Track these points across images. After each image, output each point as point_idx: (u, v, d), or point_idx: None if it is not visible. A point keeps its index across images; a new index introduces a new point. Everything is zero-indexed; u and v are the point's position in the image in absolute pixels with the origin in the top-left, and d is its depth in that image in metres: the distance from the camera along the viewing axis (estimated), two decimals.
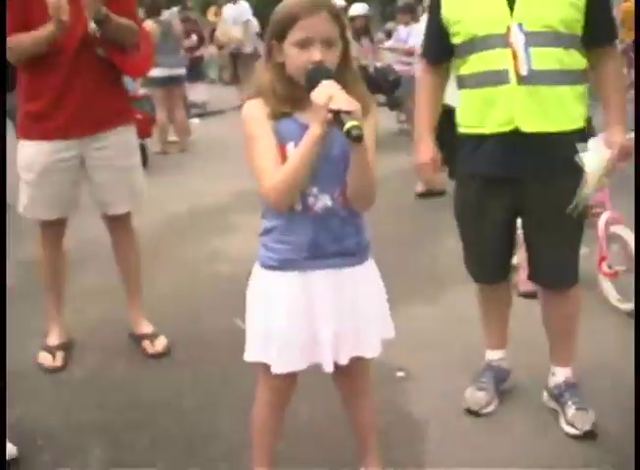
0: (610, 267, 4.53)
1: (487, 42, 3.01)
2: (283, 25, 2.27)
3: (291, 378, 2.51)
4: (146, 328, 4.16)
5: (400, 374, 3.77)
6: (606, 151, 3.00)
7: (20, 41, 3.61)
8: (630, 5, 8.67)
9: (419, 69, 3.49)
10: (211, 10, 16.61)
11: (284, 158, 2.27)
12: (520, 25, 2.96)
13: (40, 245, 4.03)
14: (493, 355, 3.56)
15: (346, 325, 2.42)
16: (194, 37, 14.27)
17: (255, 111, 2.31)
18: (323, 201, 2.33)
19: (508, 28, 2.97)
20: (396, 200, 7.16)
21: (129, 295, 4.22)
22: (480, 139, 3.12)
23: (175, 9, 11.68)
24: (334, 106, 2.07)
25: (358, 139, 2.05)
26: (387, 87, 10.25)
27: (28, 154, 3.83)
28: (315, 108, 2.12)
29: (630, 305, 4.32)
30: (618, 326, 4.27)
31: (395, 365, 3.80)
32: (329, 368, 2.43)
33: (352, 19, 10.25)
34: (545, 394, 3.43)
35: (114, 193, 3.96)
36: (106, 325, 4.42)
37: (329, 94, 2.09)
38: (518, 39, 2.96)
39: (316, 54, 2.22)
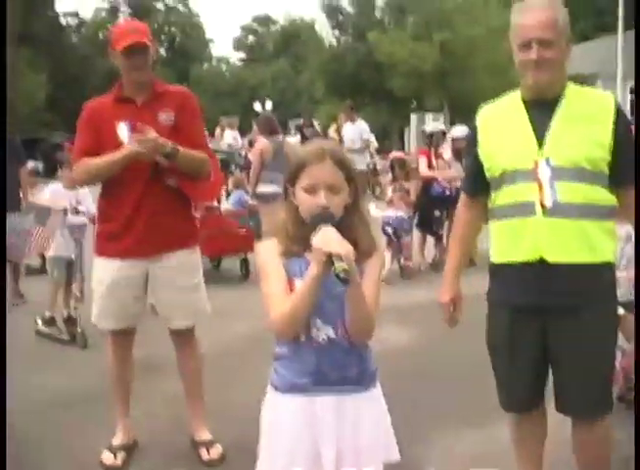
0: None
1: (516, 176, 3.20)
2: (294, 171, 2.57)
3: None
4: (204, 435, 4.39)
5: None
6: None
7: (89, 165, 4.10)
8: None
9: (460, 202, 3.66)
10: (332, 127, 17.24)
11: (292, 293, 2.51)
12: (547, 160, 3.14)
13: (109, 352, 4.39)
14: None
15: (347, 447, 2.58)
16: None
17: (269, 249, 2.59)
18: (326, 332, 2.55)
19: (535, 163, 3.15)
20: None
21: (190, 402, 4.48)
22: (509, 268, 3.27)
23: (294, 138, 12.31)
24: (326, 249, 2.33)
25: (344, 281, 2.30)
26: None
27: (99, 269, 4.26)
28: (313, 250, 2.39)
29: None
30: None
31: None
32: None
33: (453, 140, 10.53)
34: None
35: (175, 309, 4.28)
36: (171, 429, 4.68)
37: (324, 238, 2.36)
38: (544, 173, 3.14)
39: (321, 199, 2.49)
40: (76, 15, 57.16)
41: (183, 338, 4.41)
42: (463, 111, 33.43)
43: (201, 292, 4.40)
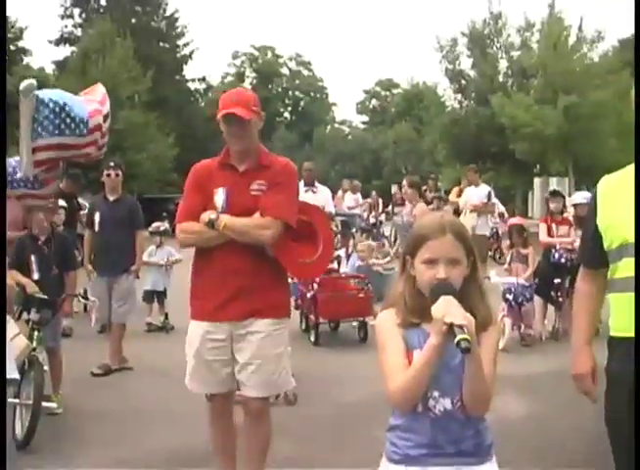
0: None
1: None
2: (414, 244, 2.59)
3: None
4: None
5: None
6: None
7: (199, 233, 4.20)
8: None
9: (579, 275, 3.55)
10: (454, 191, 17.09)
11: (410, 363, 2.51)
12: None
13: (209, 415, 4.41)
14: None
15: None
16: None
17: (387, 320, 2.62)
18: (443, 404, 2.54)
19: None
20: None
21: None
22: (630, 343, 3.10)
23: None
24: (448, 319, 2.33)
25: (466, 351, 2.30)
26: None
27: (191, 331, 4.31)
28: (434, 320, 2.39)
29: None
30: None
31: None
32: None
33: (575, 206, 10.34)
34: None
35: (251, 377, 4.23)
36: None
37: (445, 308, 2.36)
38: None
39: (440, 272, 2.50)
40: (204, 79, 59.08)
41: (256, 407, 4.33)
42: (588, 175, 32.87)
43: (281, 365, 4.32)
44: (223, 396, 4.36)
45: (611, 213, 3.25)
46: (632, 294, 3.09)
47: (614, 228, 3.21)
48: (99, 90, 6.43)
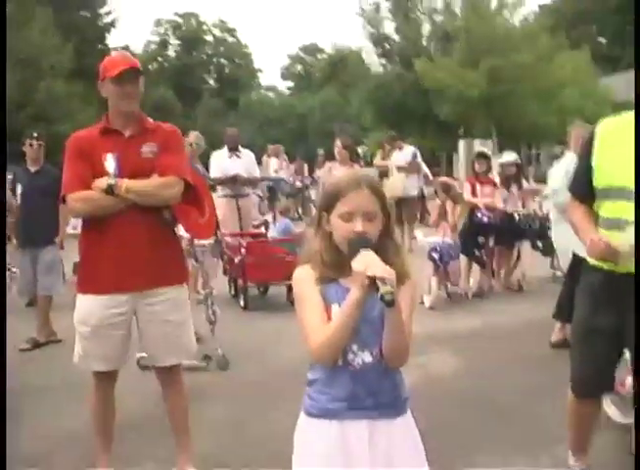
0: None
1: (622, 192, 3.37)
2: (330, 199, 2.60)
3: None
4: None
5: None
6: None
7: (92, 200, 4.04)
8: None
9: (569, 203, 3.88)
10: (379, 154, 17.19)
11: (329, 318, 2.53)
12: None
13: (92, 393, 4.28)
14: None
15: None
16: None
17: (304, 276, 2.62)
18: (362, 357, 2.57)
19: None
20: (531, 349, 7.18)
21: (177, 444, 4.39)
22: (606, 274, 3.51)
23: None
24: (370, 272, 2.35)
25: (390, 303, 2.31)
26: (531, 234, 10.35)
27: (84, 307, 4.13)
28: (354, 274, 2.41)
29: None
30: None
31: None
32: None
33: (502, 166, 10.51)
34: None
35: (163, 347, 4.19)
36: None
37: (366, 262, 2.38)
38: None
39: (358, 225, 2.52)
40: (127, 48, 58.02)
41: (170, 376, 4.31)
42: (511, 137, 33.37)
43: (188, 329, 4.31)
44: (115, 372, 4.27)
45: (604, 156, 3.52)
46: (616, 233, 3.41)
47: (603, 170, 3.50)
48: None
